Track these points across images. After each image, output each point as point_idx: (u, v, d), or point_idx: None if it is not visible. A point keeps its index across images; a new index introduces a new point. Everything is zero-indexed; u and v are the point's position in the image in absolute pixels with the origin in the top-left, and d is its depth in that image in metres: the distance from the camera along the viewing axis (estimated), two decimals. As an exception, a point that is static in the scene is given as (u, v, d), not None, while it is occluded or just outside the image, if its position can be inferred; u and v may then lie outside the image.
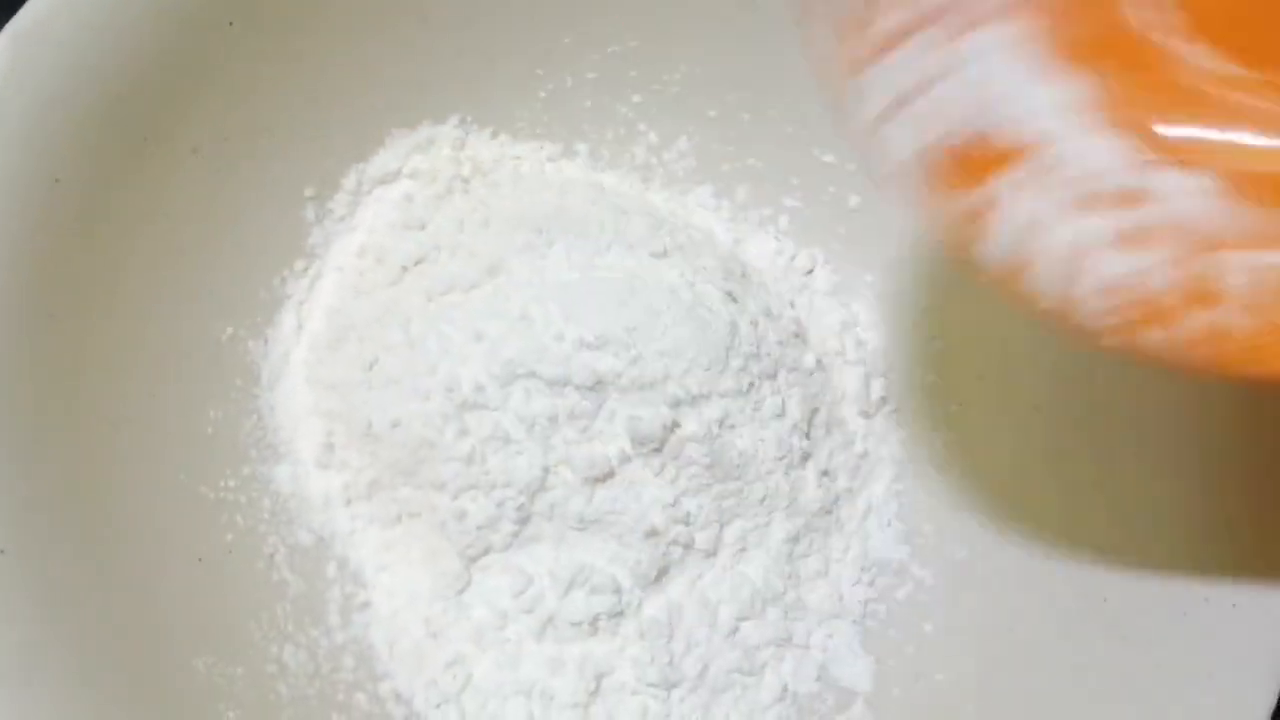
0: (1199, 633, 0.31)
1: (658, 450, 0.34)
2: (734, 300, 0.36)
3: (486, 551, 0.34)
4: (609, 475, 0.34)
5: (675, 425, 0.33)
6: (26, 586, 0.27)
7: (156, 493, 0.32)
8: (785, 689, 0.35)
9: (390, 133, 0.38)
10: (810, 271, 0.40)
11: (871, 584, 0.37)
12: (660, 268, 0.35)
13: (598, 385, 0.33)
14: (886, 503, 0.38)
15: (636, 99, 0.40)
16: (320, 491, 0.36)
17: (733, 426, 0.34)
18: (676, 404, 0.33)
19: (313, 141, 0.37)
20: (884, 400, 0.39)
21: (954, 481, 0.38)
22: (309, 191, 0.37)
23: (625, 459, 0.34)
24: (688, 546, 0.35)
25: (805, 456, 0.36)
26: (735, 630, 0.35)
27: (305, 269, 0.37)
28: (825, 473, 0.37)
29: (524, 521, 0.34)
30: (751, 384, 0.35)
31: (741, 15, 0.39)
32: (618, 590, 0.34)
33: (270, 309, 0.36)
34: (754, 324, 0.36)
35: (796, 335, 0.38)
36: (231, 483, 0.34)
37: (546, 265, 0.35)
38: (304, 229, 0.37)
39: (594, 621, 0.34)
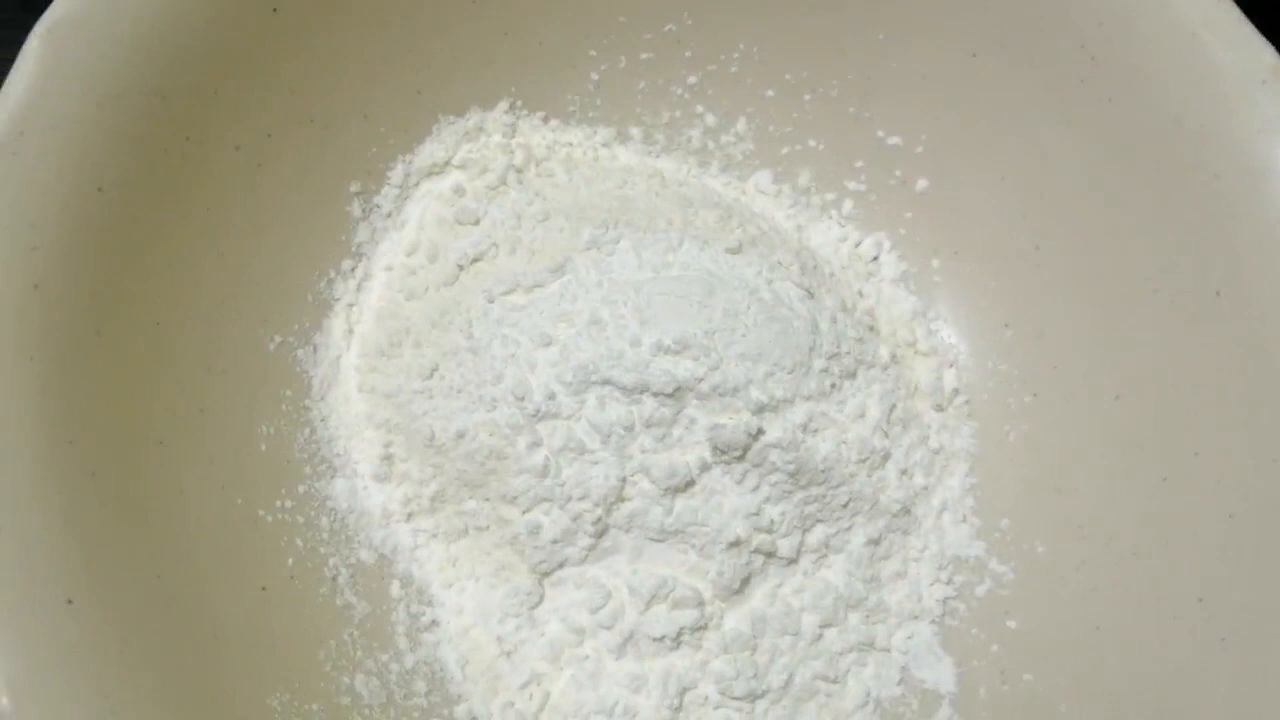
0: (1306, 636, 0.30)
1: (740, 458, 0.32)
2: (812, 296, 0.34)
3: (561, 565, 0.33)
4: (689, 485, 0.32)
5: (759, 432, 0.32)
6: (95, 636, 0.25)
7: (216, 522, 0.30)
8: (869, 694, 0.34)
9: (437, 120, 0.36)
10: (876, 258, 0.39)
11: (949, 582, 0.36)
12: (736, 265, 0.33)
13: (677, 392, 0.32)
14: (962, 498, 0.37)
15: (692, 80, 0.38)
16: (379, 506, 0.34)
17: (816, 431, 0.33)
18: (760, 410, 0.32)
19: (357, 133, 0.34)
20: (956, 392, 0.38)
21: (1030, 474, 0.37)
22: (354, 186, 0.35)
23: (705, 467, 0.32)
24: (770, 555, 0.33)
25: (886, 456, 0.35)
26: (819, 638, 0.34)
27: (353, 269, 0.35)
28: (904, 471, 0.35)
29: (600, 534, 0.33)
30: (833, 385, 0.33)
31: (801, -11, 0.37)
32: (700, 603, 0.33)
33: (318, 313, 0.34)
34: (833, 321, 0.34)
35: (871, 328, 0.36)
36: (288, 503, 0.32)
37: (614, 263, 0.33)
38: (350, 226, 0.35)
39: (676, 636, 0.33)
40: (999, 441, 0.38)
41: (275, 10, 0.31)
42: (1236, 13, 0.32)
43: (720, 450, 0.32)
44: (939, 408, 0.37)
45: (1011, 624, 0.35)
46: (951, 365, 0.38)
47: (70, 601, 0.25)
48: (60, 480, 0.26)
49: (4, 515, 0.25)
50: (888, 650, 0.35)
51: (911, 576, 0.36)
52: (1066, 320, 0.37)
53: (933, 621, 0.36)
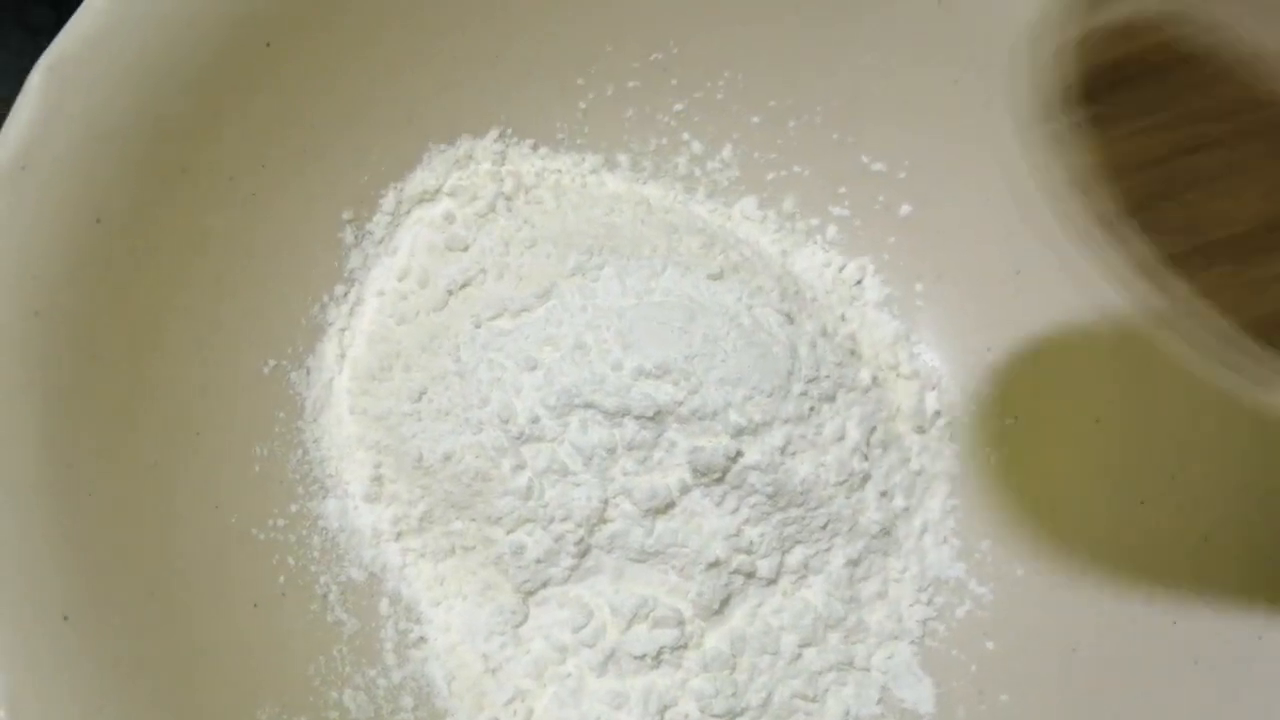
0: (1275, 656, 0.31)
1: (719, 480, 0.33)
2: (791, 321, 0.35)
3: (545, 585, 0.34)
4: (669, 506, 0.33)
5: (738, 455, 0.33)
6: (91, 651, 0.26)
7: (210, 539, 0.31)
8: (848, 713, 0.35)
9: (428, 148, 0.37)
10: (859, 282, 0.40)
11: (929, 603, 0.37)
12: (717, 291, 0.34)
13: (657, 415, 0.32)
14: (943, 520, 0.37)
15: (679, 107, 0.39)
16: (369, 526, 0.35)
17: (794, 453, 0.34)
18: (738, 433, 0.33)
19: (349, 161, 0.35)
20: (938, 414, 0.38)
21: (1010, 497, 0.38)
22: (347, 214, 0.36)
23: (686, 489, 0.33)
24: (749, 575, 0.34)
25: (865, 478, 0.35)
26: (798, 657, 0.34)
27: (345, 294, 0.36)
28: (884, 493, 0.36)
29: (583, 554, 0.33)
30: (812, 408, 0.34)
31: (786, 18, 0.37)
32: (680, 622, 0.33)
33: (311, 338, 0.35)
34: (812, 345, 0.35)
35: (852, 352, 0.37)
36: (280, 522, 0.33)
37: (598, 289, 0.34)
38: (343, 253, 0.36)
39: (657, 655, 0.33)
40: (980, 464, 0.38)
41: (269, 45, 0.32)
42: None
43: (700, 472, 0.33)
44: (920, 430, 0.38)
45: (990, 645, 0.36)
46: (933, 388, 0.39)
47: (67, 617, 0.26)
48: (59, 501, 0.27)
49: (3, 533, 0.26)
50: (867, 670, 0.35)
51: (891, 597, 0.36)
52: (1047, 344, 0.37)
53: (912, 642, 0.36)
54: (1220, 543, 0.33)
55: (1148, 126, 0.27)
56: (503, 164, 0.38)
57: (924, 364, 0.39)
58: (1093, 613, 0.35)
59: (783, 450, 0.33)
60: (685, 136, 0.39)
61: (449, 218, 0.37)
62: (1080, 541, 0.36)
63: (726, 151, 0.39)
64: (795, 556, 0.34)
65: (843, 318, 0.39)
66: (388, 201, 0.36)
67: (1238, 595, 0.32)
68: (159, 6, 0.29)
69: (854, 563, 0.35)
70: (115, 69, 0.28)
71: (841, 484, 0.34)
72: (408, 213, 0.37)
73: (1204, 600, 0.33)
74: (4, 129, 0.28)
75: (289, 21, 0.32)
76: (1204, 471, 0.34)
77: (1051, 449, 0.37)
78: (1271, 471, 0.33)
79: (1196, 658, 0.32)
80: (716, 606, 0.34)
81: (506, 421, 0.33)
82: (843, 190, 0.40)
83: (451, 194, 0.37)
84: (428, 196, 0.37)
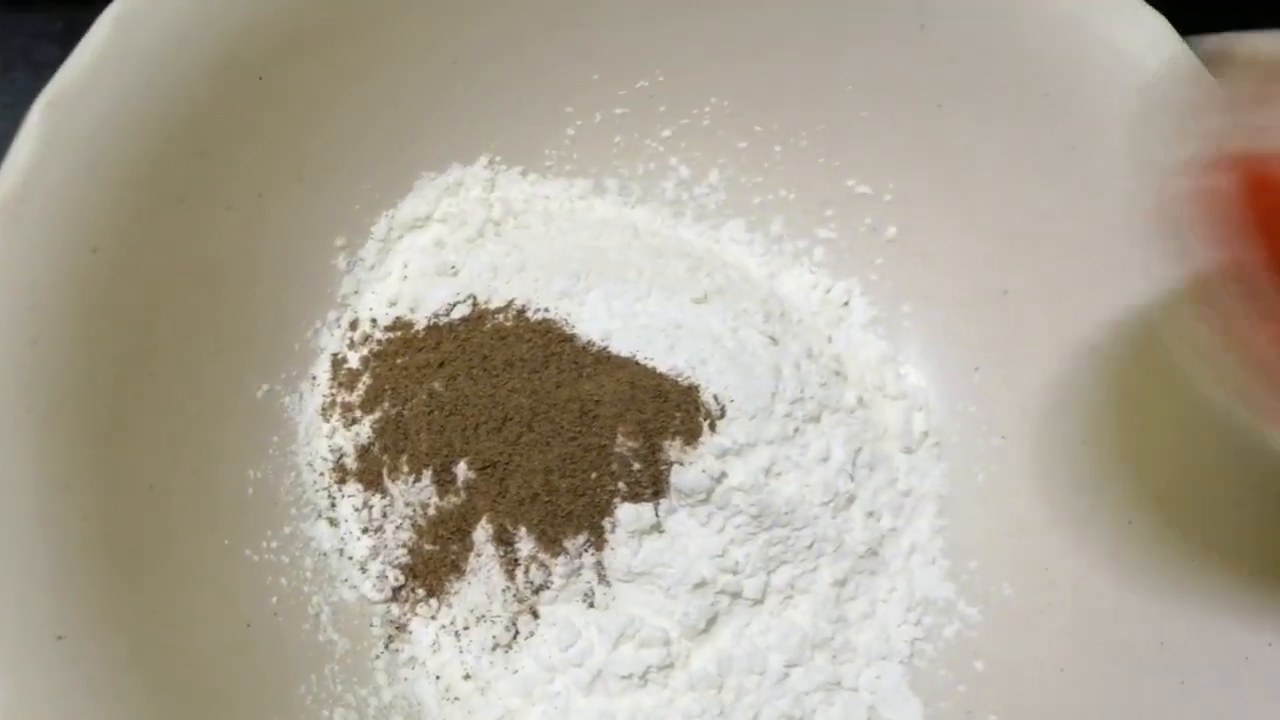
0: (1262, 679, 0.31)
1: (704, 501, 0.33)
2: (775, 343, 0.35)
3: (533, 606, 0.34)
4: (654, 527, 0.33)
5: (722, 475, 0.33)
6: (86, 670, 0.27)
7: (204, 560, 0.31)
8: (835, 733, 0.35)
9: (419, 176, 0.38)
10: (846, 304, 0.40)
11: (918, 623, 0.37)
12: (702, 314, 0.35)
13: (642, 437, 0.33)
14: (931, 540, 0.38)
15: (666, 133, 0.40)
16: (361, 547, 0.35)
17: (779, 474, 0.34)
18: (723, 454, 0.33)
19: (342, 189, 0.36)
20: (925, 435, 0.39)
21: (998, 517, 0.38)
22: (340, 241, 0.36)
23: (671, 510, 0.33)
24: (735, 595, 0.34)
25: (851, 499, 0.36)
26: (785, 677, 0.35)
27: (338, 320, 0.37)
28: (871, 513, 0.36)
29: (570, 576, 0.34)
30: (796, 429, 0.34)
31: (770, 45, 0.38)
32: (667, 642, 0.34)
33: (304, 362, 0.36)
34: (796, 367, 0.35)
35: (837, 373, 0.37)
36: (274, 543, 0.34)
37: (585, 313, 0.35)
38: (335, 279, 0.37)
39: (643, 674, 0.34)
40: (968, 483, 0.38)
41: (261, 78, 0.32)
42: (1196, 61, 0.33)
43: (685, 493, 0.33)
44: (908, 450, 0.38)
45: (979, 665, 0.36)
46: (921, 408, 0.39)
47: (61, 637, 0.27)
48: (55, 524, 0.28)
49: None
50: (855, 690, 0.35)
51: (879, 617, 0.36)
52: (1035, 364, 0.38)
53: (901, 662, 0.36)
54: (1208, 565, 0.33)
55: None
56: (492, 190, 0.38)
57: (911, 384, 0.39)
58: (1081, 634, 0.35)
59: (767, 471, 0.34)
60: (673, 161, 0.40)
61: (439, 243, 0.37)
62: (1068, 562, 0.36)
63: (714, 176, 0.40)
64: (781, 576, 0.35)
65: (829, 339, 0.39)
66: (379, 228, 0.37)
67: (1224, 620, 0.32)
68: (153, 42, 0.30)
69: (840, 583, 0.35)
70: (111, 103, 0.29)
71: (827, 504, 0.35)
72: (399, 239, 0.37)
73: (1191, 624, 0.32)
74: (5, 163, 0.29)
75: (281, 56, 0.33)
76: (1193, 493, 0.34)
77: (1040, 469, 0.37)
78: (1263, 491, 0.32)
79: (1183, 680, 0.32)
80: (703, 626, 0.34)
81: (494, 444, 0.33)
82: (829, 213, 0.40)
83: (442, 220, 0.38)
84: (418, 223, 0.38)
